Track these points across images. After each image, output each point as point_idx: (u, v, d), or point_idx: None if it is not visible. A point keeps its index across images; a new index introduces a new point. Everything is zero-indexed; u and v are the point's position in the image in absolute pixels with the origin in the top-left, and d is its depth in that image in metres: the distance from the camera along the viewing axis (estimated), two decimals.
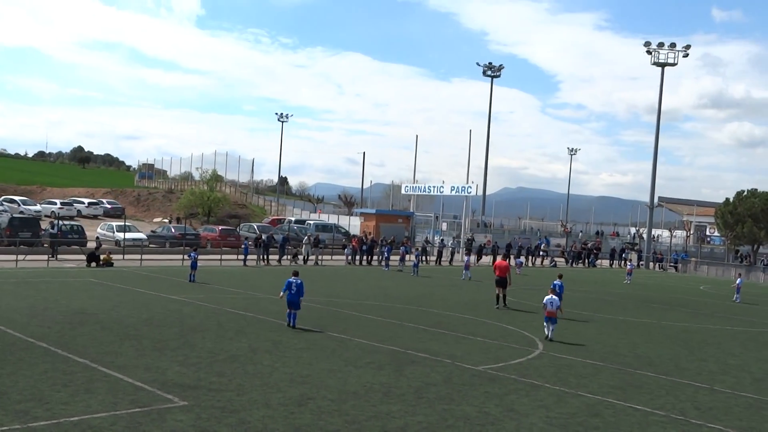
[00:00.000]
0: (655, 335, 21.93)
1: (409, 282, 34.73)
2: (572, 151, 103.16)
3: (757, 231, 60.00)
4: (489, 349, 17.39)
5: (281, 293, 19.29)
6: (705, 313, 29.52)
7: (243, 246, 40.97)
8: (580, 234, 77.35)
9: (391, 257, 42.57)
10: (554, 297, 19.81)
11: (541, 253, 56.97)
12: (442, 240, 55.13)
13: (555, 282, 24.16)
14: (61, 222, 41.68)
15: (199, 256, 30.54)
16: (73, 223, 46.93)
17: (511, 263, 47.98)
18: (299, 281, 19.02)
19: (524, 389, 13.44)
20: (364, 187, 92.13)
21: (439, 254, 49.86)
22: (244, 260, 39.31)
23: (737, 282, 36.58)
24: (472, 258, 45.76)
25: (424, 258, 46.05)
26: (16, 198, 68.40)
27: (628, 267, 46.13)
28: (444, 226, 65.45)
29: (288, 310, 19.04)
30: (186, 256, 32.81)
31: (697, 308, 31.05)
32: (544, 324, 19.80)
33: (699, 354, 19.02)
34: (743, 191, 62.55)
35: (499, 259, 29.27)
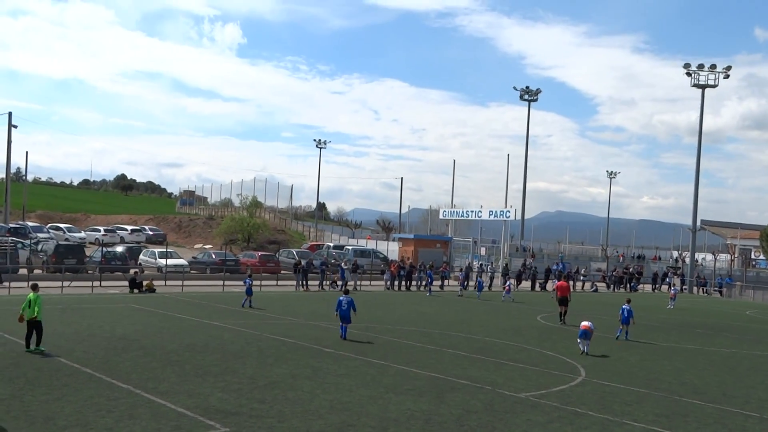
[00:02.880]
0: (701, 361, 21.47)
1: (448, 307, 34.55)
2: (612, 175, 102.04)
3: None
4: (530, 376, 17.19)
5: (335, 312, 21.65)
6: (752, 338, 28.82)
7: (319, 270, 41.28)
8: (621, 258, 76.20)
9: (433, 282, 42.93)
10: (591, 323, 21.15)
11: (581, 278, 56.15)
12: (481, 264, 54.79)
13: (624, 306, 24.97)
14: (105, 249, 42.43)
15: (236, 282, 30.67)
16: (115, 250, 47.76)
17: (548, 288, 48.16)
18: (349, 298, 21.53)
19: (567, 417, 13.24)
20: (402, 212, 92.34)
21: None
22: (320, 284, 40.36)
23: None
24: (512, 282, 45.98)
25: (466, 282, 45.99)
26: (62, 225, 69.97)
27: (672, 291, 45.27)
28: (483, 251, 65.05)
29: (341, 324, 21.38)
30: (242, 282, 32.94)
31: (743, 334, 30.34)
32: (578, 340, 21.00)
33: (747, 381, 18.56)
34: None
35: (558, 281, 32.78)
